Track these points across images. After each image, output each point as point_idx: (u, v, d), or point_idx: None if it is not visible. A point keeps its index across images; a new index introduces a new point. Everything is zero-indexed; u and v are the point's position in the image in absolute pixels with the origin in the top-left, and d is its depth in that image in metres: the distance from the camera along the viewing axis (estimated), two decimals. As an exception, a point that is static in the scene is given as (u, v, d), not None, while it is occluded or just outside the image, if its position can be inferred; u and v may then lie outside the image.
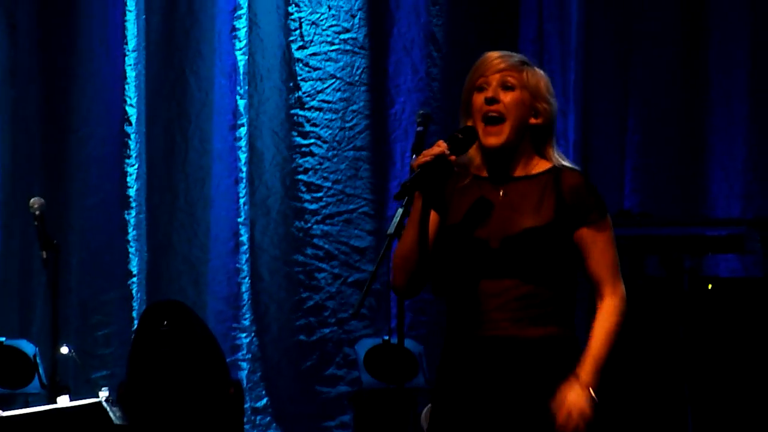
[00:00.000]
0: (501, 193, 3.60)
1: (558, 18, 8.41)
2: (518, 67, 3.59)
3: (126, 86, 8.28)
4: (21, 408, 6.10)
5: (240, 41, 8.42)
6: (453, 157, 3.51)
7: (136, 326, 7.78)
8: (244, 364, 8.35)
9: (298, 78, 8.61)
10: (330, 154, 8.59)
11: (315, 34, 8.63)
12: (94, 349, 8.29)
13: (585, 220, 3.56)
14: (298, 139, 8.59)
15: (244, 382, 8.25)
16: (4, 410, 5.61)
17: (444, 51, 8.57)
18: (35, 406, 6.08)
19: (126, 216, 8.26)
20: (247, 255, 8.38)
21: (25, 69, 8.38)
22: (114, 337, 8.30)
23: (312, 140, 8.59)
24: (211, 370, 6.79)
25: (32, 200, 6.40)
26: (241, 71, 8.40)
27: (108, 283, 8.30)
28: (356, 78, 8.64)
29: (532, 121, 3.60)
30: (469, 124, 3.60)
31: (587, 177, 3.62)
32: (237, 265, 8.37)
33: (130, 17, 8.28)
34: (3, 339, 7.60)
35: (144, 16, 8.36)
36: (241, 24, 8.42)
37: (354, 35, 8.65)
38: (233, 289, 8.38)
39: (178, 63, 8.49)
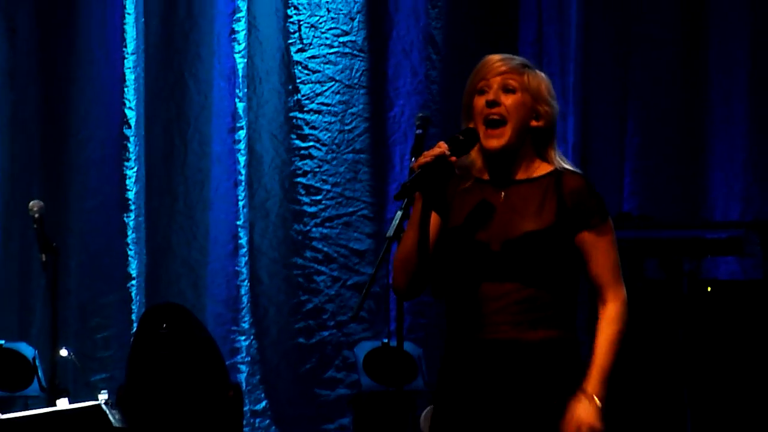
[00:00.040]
0: (502, 196, 3.59)
1: (557, 20, 8.41)
2: (519, 69, 3.58)
3: (125, 89, 8.28)
4: (20, 411, 6.09)
5: (239, 44, 8.42)
6: (454, 158, 3.50)
7: (135, 329, 7.78)
8: (244, 367, 8.34)
9: (297, 81, 8.60)
10: (329, 157, 8.59)
11: (314, 37, 8.63)
12: (94, 351, 8.29)
13: (586, 223, 3.54)
14: (297, 142, 8.58)
15: (244, 384, 8.24)
16: (3, 413, 5.60)
17: (443, 54, 8.56)
18: (35, 408, 6.06)
19: (125, 219, 8.26)
20: (246, 258, 8.37)
21: (25, 71, 8.38)
22: (113, 340, 8.30)
23: (311, 143, 8.59)
24: (210, 373, 6.79)
25: (31, 203, 6.39)
26: (240, 74, 8.40)
27: (107, 285, 8.30)
28: (355, 81, 8.64)
29: (534, 123, 3.59)
30: (471, 127, 3.60)
31: (589, 180, 3.61)
32: (236, 267, 8.37)
33: (129, 20, 8.28)
34: (2, 342, 7.60)
35: (143, 19, 8.36)
36: (240, 27, 8.42)
37: (353, 38, 8.64)
38: (232, 292, 8.38)
39: (177, 66, 8.49)
